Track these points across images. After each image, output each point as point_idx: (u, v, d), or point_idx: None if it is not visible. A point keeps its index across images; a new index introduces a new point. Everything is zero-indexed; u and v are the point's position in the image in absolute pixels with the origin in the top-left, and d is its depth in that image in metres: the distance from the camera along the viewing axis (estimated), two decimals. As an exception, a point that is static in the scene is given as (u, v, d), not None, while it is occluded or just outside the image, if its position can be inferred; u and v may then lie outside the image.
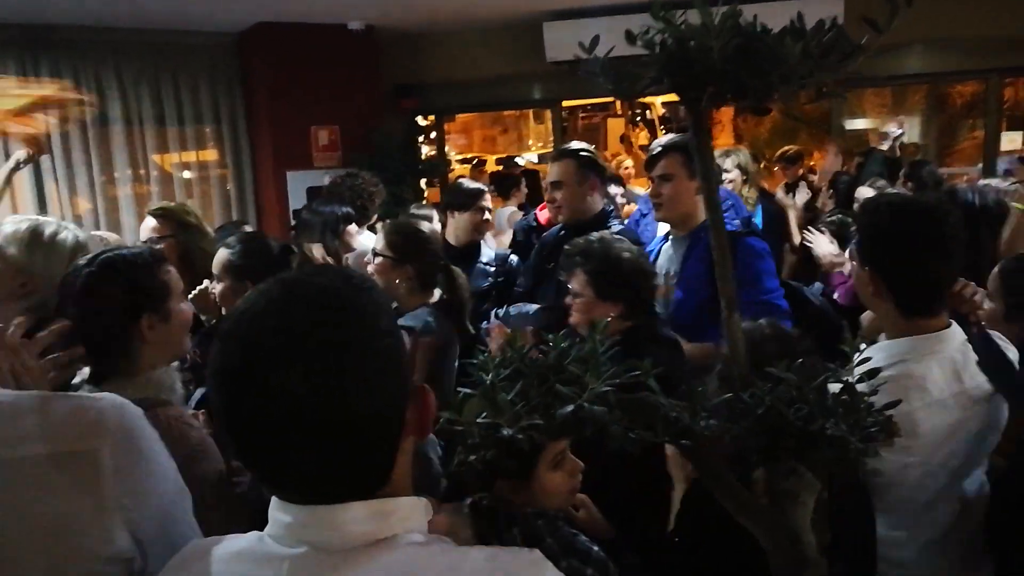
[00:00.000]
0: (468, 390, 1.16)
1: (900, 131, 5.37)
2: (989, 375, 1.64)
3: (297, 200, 6.16)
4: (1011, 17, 5.55)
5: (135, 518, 1.00)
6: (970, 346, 1.67)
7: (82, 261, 1.55)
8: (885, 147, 5.13)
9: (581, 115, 16.33)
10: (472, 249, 3.48)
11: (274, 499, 0.84)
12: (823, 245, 3.48)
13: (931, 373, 1.60)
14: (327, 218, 3.09)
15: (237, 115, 6.43)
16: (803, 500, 1.07)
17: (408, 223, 2.76)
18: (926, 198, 1.97)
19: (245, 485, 1.70)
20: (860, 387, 1.16)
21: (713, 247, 1.17)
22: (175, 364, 1.65)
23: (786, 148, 6.21)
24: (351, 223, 3.33)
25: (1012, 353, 1.69)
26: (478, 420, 1.05)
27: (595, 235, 2.36)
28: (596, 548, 1.35)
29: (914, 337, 1.64)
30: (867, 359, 1.22)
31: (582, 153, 3.08)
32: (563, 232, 3.07)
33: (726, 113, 11.81)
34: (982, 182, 3.50)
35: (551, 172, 3.10)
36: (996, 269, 2.03)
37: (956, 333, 1.68)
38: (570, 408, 1.08)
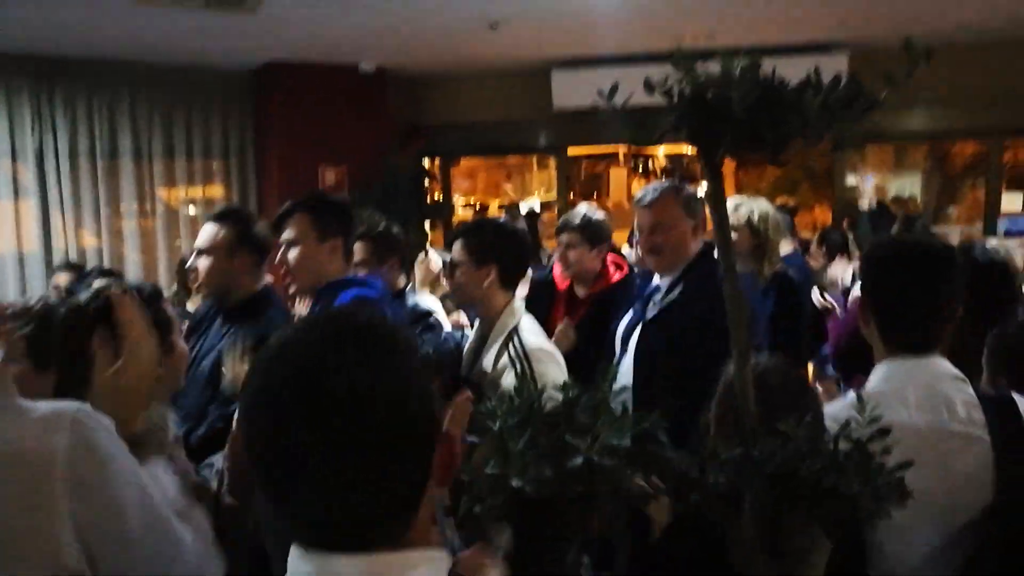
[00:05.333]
0: (475, 438, 1.15)
1: (870, 178, 5.46)
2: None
3: (301, 238, 6.17)
4: (1015, 76, 5.63)
5: (87, 530, 0.97)
6: (963, 383, 1.63)
7: (84, 295, 1.52)
8: (865, 205, 5.22)
9: (584, 163, 16.51)
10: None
11: (294, 547, 0.83)
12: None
13: (905, 394, 1.58)
14: None
15: (246, 151, 6.49)
16: (814, 561, 1.04)
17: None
18: (927, 239, 1.98)
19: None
20: (872, 446, 1.14)
21: (727, 297, 1.16)
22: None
23: (784, 201, 6.28)
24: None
25: None
26: (486, 470, 1.02)
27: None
28: None
29: (898, 361, 1.64)
30: (877, 417, 1.20)
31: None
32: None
33: (728, 164, 11.91)
34: (991, 241, 3.53)
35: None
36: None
37: (940, 364, 1.64)
38: (580, 459, 1.06)
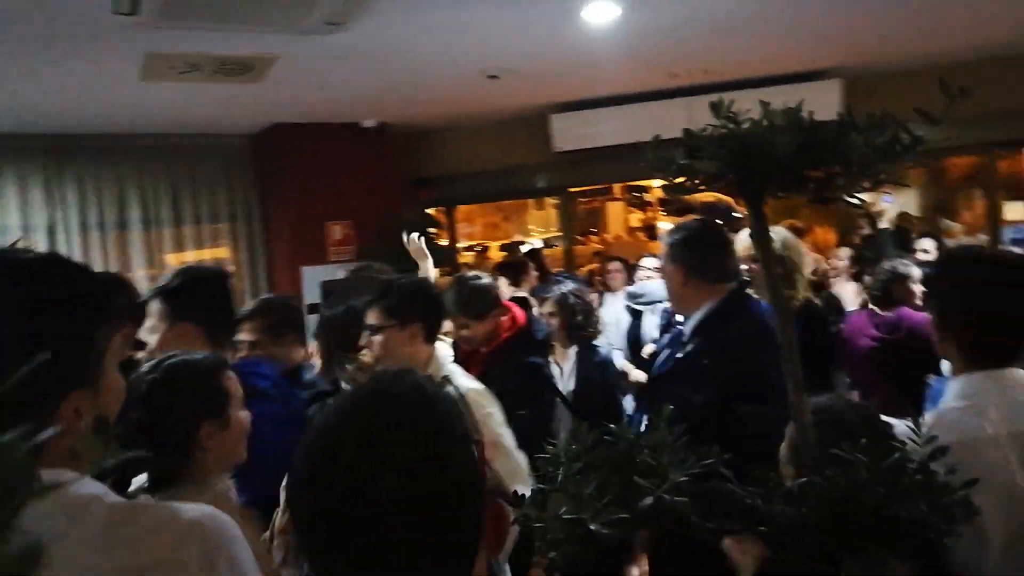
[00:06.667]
0: (542, 485, 1.17)
1: (890, 200, 5.47)
2: None
3: (312, 295, 6.22)
4: (1005, 92, 5.72)
5: None
6: None
7: (146, 367, 1.56)
8: (885, 224, 5.24)
9: (580, 200, 16.65)
10: None
11: None
12: None
13: (986, 411, 1.58)
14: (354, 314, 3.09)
15: (253, 213, 6.59)
16: (891, 588, 1.05)
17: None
18: (1003, 253, 1.96)
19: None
20: (934, 465, 1.16)
21: (777, 330, 1.19)
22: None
23: (791, 224, 6.37)
24: None
25: None
26: (562, 515, 1.04)
27: None
28: None
29: (975, 375, 1.65)
30: (934, 437, 1.22)
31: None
32: None
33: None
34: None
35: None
36: None
37: (1019, 375, 1.65)
38: (650, 500, 1.08)
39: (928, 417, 1.68)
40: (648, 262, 5.32)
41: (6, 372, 0.61)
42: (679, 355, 2.55)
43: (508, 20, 4.06)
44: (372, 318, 2.46)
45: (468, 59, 4.75)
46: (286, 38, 3.92)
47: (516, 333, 3.18)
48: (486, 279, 3.25)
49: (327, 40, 4.00)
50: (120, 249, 6.14)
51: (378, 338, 2.44)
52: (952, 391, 1.69)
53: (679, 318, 2.86)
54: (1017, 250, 3.75)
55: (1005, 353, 1.65)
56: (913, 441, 1.23)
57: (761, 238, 1.17)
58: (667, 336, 3.09)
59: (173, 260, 6.40)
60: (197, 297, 2.21)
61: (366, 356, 3.02)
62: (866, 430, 1.41)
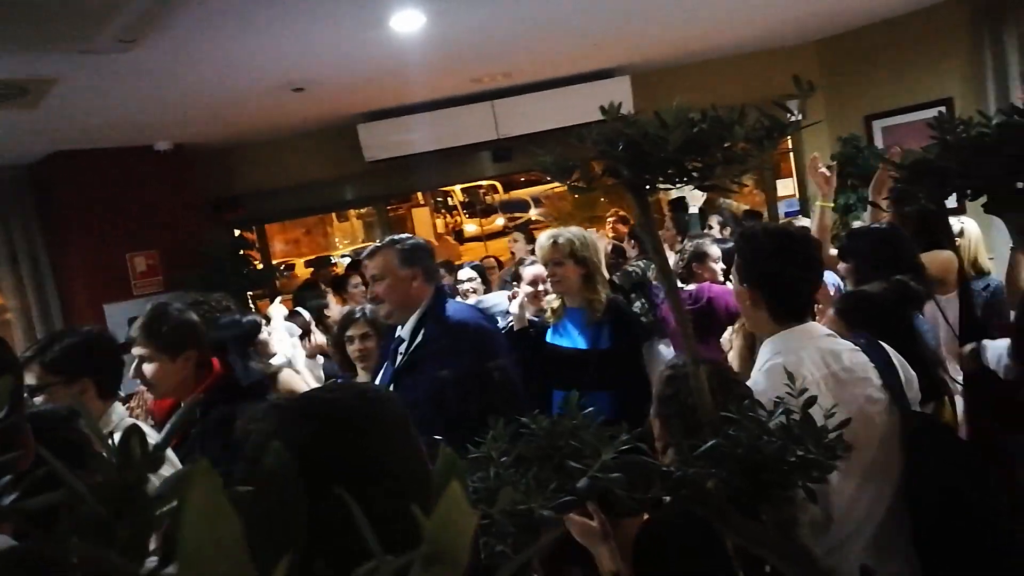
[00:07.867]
0: (475, 483, 1.20)
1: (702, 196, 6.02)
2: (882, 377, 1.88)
3: (121, 333, 5.73)
4: (766, 83, 6.43)
5: None
6: (834, 337, 1.95)
7: None
8: (694, 209, 5.77)
9: (387, 208, 16.59)
10: None
11: None
12: None
13: (802, 361, 1.82)
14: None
15: (37, 252, 5.93)
16: (802, 522, 1.20)
17: None
18: (792, 227, 2.27)
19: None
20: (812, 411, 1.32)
21: (672, 309, 1.30)
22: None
23: (616, 210, 6.99)
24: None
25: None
26: (513, 508, 1.08)
27: None
28: None
29: (784, 333, 1.92)
30: (805, 389, 1.39)
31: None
32: None
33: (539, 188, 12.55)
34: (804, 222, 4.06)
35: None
36: (832, 312, 2.39)
37: (816, 327, 1.96)
38: (586, 481, 1.15)
39: (755, 374, 1.92)
40: (465, 273, 5.41)
41: None
42: (412, 348, 2.72)
43: (314, 32, 3.98)
44: (32, 378, 2.15)
45: (271, 73, 4.60)
46: (67, 58, 3.59)
47: (211, 385, 2.55)
48: (192, 315, 2.67)
49: (113, 59, 3.71)
50: None
51: (40, 400, 2.15)
52: (769, 350, 1.93)
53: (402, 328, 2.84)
54: (798, 222, 4.29)
55: (800, 311, 1.94)
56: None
57: (648, 229, 1.28)
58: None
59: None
60: None
61: None
62: (717, 381, 1.59)
